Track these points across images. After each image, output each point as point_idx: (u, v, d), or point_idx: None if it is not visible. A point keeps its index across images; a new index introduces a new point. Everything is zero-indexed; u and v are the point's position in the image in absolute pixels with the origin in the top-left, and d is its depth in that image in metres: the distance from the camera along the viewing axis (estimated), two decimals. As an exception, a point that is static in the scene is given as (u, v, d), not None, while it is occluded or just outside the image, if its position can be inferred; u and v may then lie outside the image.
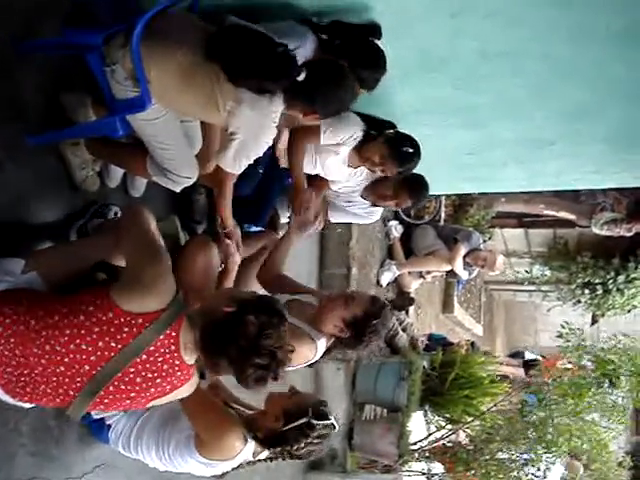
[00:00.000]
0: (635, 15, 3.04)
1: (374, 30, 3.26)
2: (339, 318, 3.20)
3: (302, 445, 2.89)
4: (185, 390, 2.44)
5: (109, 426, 3.07)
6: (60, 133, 2.99)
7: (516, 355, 9.70)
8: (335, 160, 3.99)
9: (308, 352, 3.21)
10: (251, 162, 3.03)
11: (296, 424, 2.88)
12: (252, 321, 2.25)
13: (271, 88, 2.71)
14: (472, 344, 7.69)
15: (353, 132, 3.80)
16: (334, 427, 3.01)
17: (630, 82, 3.61)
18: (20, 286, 2.34)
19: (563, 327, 6.81)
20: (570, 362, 6.63)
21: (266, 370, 2.26)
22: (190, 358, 2.34)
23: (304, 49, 3.07)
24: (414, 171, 4.07)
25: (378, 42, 3.28)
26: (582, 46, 3.30)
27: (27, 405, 2.43)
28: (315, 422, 2.90)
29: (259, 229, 4.06)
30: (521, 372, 8.88)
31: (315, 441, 2.91)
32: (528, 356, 9.13)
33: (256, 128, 2.86)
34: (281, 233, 4.06)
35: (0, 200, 2.77)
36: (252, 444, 2.91)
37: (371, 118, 3.90)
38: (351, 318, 3.19)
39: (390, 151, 3.81)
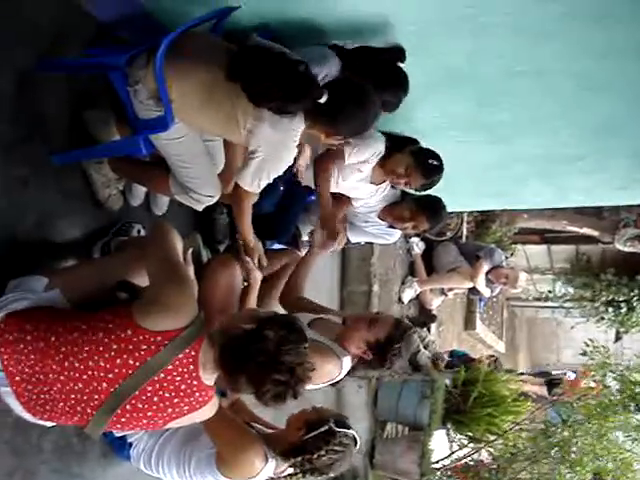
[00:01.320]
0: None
1: (398, 53, 3.26)
2: (362, 340, 3.20)
3: (322, 453, 2.87)
4: (205, 413, 2.43)
5: (130, 444, 3.08)
6: (84, 152, 3.01)
7: (542, 374, 9.57)
8: (358, 178, 3.98)
9: (333, 369, 3.20)
10: (270, 181, 3.02)
11: (317, 432, 2.88)
12: (271, 337, 2.24)
13: (292, 109, 2.71)
14: (495, 360, 7.61)
15: (376, 149, 3.80)
16: (355, 440, 3.00)
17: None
18: (42, 304, 2.35)
19: (587, 345, 6.73)
20: (594, 381, 6.55)
21: (285, 386, 2.23)
22: (209, 378, 2.33)
23: (326, 70, 3.08)
24: (434, 193, 4.07)
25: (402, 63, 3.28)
26: (609, 62, 3.28)
27: (48, 424, 2.43)
28: (337, 429, 2.90)
29: (281, 247, 4.05)
30: (544, 391, 8.80)
31: (336, 449, 2.90)
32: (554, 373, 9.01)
33: (276, 147, 2.85)
34: (303, 251, 4.05)
35: (24, 218, 2.79)
36: (273, 463, 2.89)
37: (394, 136, 3.90)
38: (374, 341, 3.19)
39: (415, 162, 3.81)
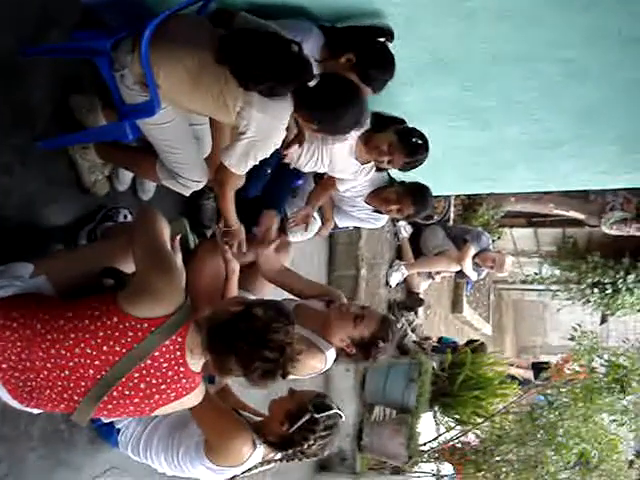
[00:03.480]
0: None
1: (386, 32, 3.24)
2: (346, 335, 3.17)
3: (312, 442, 2.88)
4: (191, 400, 2.43)
5: (118, 430, 3.08)
6: (70, 138, 2.99)
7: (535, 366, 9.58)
8: (342, 147, 3.91)
9: (317, 363, 3.19)
10: (257, 163, 3.00)
11: (300, 423, 2.87)
12: (260, 314, 2.25)
13: (282, 92, 2.69)
14: (481, 344, 7.65)
15: None
16: (340, 416, 2.99)
17: (641, 84, 3.60)
18: (29, 291, 2.34)
19: (575, 329, 6.77)
20: (581, 365, 6.59)
21: (274, 364, 2.23)
22: (196, 364, 2.34)
23: (307, 44, 2.99)
24: (421, 179, 4.07)
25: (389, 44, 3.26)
26: (594, 49, 3.28)
27: (35, 411, 2.43)
28: (317, 416, 2.88)
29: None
30: (530, 374, 8.85)
31: (323, 434, 2.90)
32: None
33: (266, 129, 2.83)
34: (290, 235, 4.04)
35: (10, 204, 2.78)
36: (261, 449, 2.90)
37: (381, 115, 3.88)
38: (359, 338, 3.17)
39: (399, 140, 3.78)
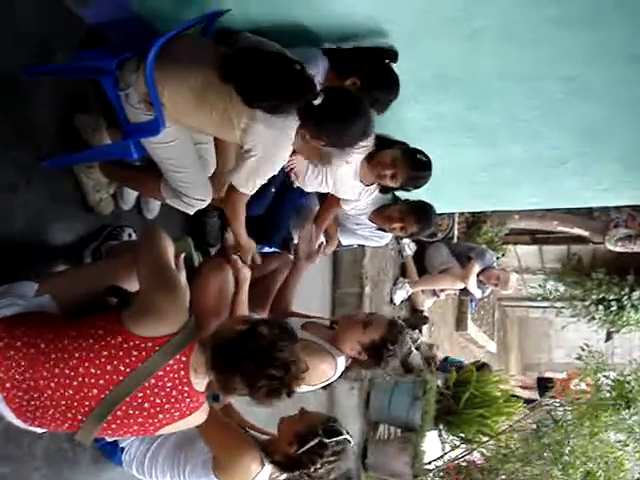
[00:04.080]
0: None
1: (390, 53, 3.25)
2: (357, 342, 3.20)
3: (319, 466, 2.86)
4: (195, 419, 2.43)
5: (122, 449, 3.07)
6: (75, 156, 3.00)
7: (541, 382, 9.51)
8: (347, 171, 3.94)
9: (328, 369, 3.20)
10: (265, 181, 3.01)
11: (308, 446, 2.85)
12: (265, 333, 2.25)
13: (286, 109, 2.70)
14: (483, 365, 7.63)
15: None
16: (349, 441, 2.98)
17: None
18: (33, 309, 2.34)
19: (583, 349, 6.75)
20: (588, 385, 6.56)
21: (280, 382, 2.23)
22: (200, 383, 2.33)
23: (313, 71, 3.02)
24: (425, 197, 4.07)
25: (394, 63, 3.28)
26: (597, 66, 3.29)
27: (39, 430, 2.42)
28: (327, 441, 2.87)
29: (272, 250, 4.05)
30: (535, 394, 8.80)
31: (331, 459, 2.88)
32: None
33: (272, 145, 2.83)
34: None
35: (14, 222, 2.79)
36: (269, 467, 2.88)
37: (383, 137, 3.89)
38: (369, 343, 3.19)
39: (403, 155, 3.82)
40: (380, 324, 3.25)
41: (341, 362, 3.24)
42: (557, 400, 6.60)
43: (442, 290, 7.38)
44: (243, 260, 3.24)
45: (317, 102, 2.68)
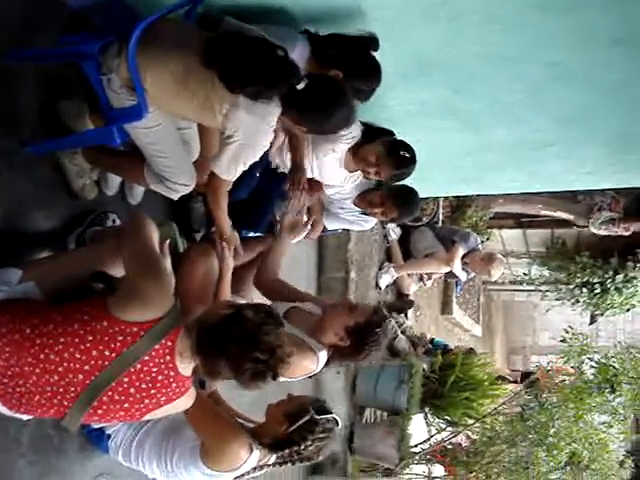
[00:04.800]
0: (634, 22, 3.04)
1: (371, 42, 3.24)
2: (341, 326, 3.19)
3: (309, 443, 2.88)
4: (182, 404, 2.43)
5: (109, 436, 3.07)
6: (58, 142, 2.98)
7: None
8: (332, 159, 3.96)
9: (310, 364, 3.19)
10: (246, 168, 3.00)
11: (300, 423, 2.87)
12: (250, 316, 2.25)
13: (269, 95, 2.69)
14: (470, 350, 7.68)
15: (352, 130, 3.78)
16: (337, 422, 3.00)
17: (628, 86, 3.62)
18: (17, 296, 2.34)
19: (567, 331, 6.80)
20: (572, 367, 6.62)
21: (265, 365, 2.23)
22: (186, 368, 2.33)
23: (293, 54, 2.99)
24: (409, 181, 4.07)
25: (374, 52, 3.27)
26: (581, 51, 3.30)
27: (25, 417, 2.42)
28: (318, 417, 2.89)
29: (257, 234, 4.04)
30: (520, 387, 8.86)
31: (321, 436, 2.90)
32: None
33: (253, 131, 2.82)
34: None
35: (-4, 209, 2.77)
36: (257, 453, 2.89)
37: (370, 126, 3.90)
38: (354, 326, 3.19)
39: (387, 152, 3.81)
40: (365, 308, 3.27)
41: (322, 356, 3.24)
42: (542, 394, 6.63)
43: (429, 278, 7.41)
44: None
45: (300, 87, 2.67)
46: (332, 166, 4.02)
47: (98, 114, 2.91)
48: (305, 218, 3.90)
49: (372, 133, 3.89)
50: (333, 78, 3.01)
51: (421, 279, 7.39)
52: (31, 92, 2.91)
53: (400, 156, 3.82)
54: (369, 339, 3.19)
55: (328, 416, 2.95)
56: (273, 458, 2.97)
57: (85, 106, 3.01)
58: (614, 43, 3.19)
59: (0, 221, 2.79)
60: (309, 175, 4.04)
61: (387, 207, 4.44)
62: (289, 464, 3.00)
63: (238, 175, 3.00)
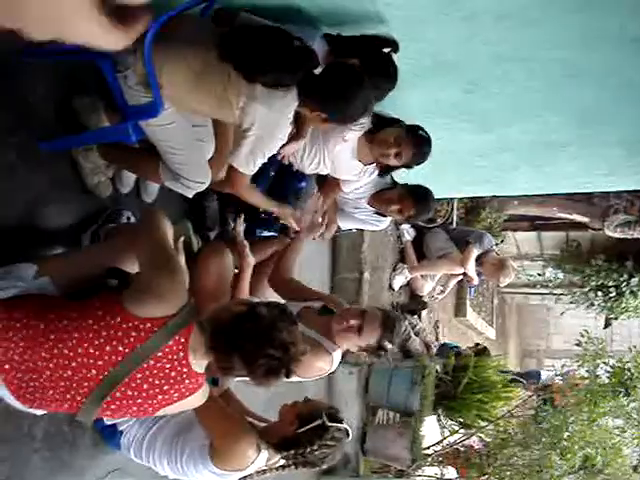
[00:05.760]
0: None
1: (391, 43, 3.24)
2: (354, 346, 3.21)
3: (315, 447, 2.87)
4: (195, 400, 2.43)
5: (121, 432, 3.07)
6: (73, 139, 2.99)
7: (530, 375, 9.46)
8: (344, 149, 3.94)
9: (324, 365, 3.20)
10: (265, 160, 3.00)
11: (310, 426, 2.87)
12: (264, 314, 2.26)
13: (288, 81, 2.69)
14: (484, 349, 7.64)
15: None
16: (347, 434, 2.99)
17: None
18: (32, 292, 2.34)
19: (582, 335, 6.76)
20: (587, 371, 6.58)
21: (278, 362, 2.24)
22: (199, 365, 2.33)
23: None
24: (424, 182, 4.07)
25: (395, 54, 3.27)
26: (596, 50, 3.28)
27: (39, 412, 2.42)
28: (329, 424, 2.89)
29: (271, 234, 4.04)
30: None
31: (329, 443, 2.89)
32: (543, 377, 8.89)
33: (270, 123, 2.83)
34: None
35: (13, 205, 2.78)
36: (265, 453, 2.88)
37: (379, 114, 3.89)
38: (366, 347, 3.21)
39: (406, 132, 3.83)
40: (373, 325, 3.21)
41: (337, 356, 3.24)
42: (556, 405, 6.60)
43: (442, 291, 7.46)
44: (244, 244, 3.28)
45: (317, 71, 2.67)
46: (345, 157, 4.00)
47: (114, 111, 2.92)
48: (320, 218, 3.91)
49: (383, 121, 3.89)
50: (352, 66, 3.01)
51: (442, 291, 7.43)
52: (47, 90, 2.93)
53: (420, 134, 3.84)
54: (382, 351, 3.22)
55: (340, 425, 2.94)
56: (280, 462, 2.97)
57: (100, 103, 3.01)
58: (631, 41, 3.16)
59: (15, 217, 2.80)
60: (323, 172, 4.04)
61: (404, 205, 4.44)
62: (292, 467, 2.99)
63: (257, 168, 3.01)
